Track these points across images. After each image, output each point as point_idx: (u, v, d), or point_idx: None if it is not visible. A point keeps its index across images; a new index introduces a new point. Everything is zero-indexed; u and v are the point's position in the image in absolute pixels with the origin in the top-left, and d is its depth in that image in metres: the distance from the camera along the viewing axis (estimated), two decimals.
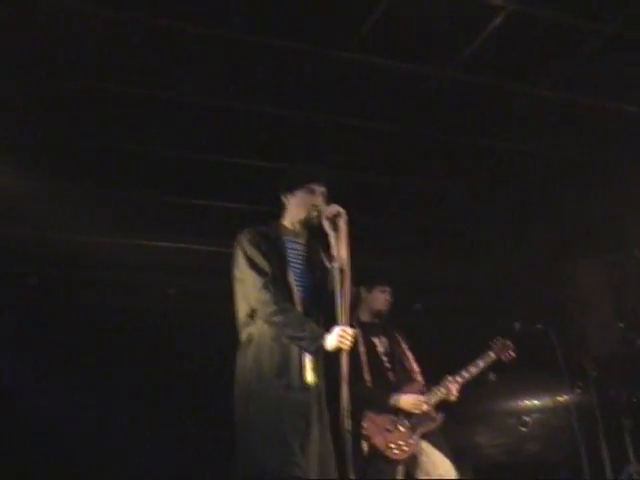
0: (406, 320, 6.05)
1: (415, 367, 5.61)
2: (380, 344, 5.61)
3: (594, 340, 6.39)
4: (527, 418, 6.94)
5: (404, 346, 5.69)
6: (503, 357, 5.58)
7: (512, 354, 5.60)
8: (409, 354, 5.66)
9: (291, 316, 3.91)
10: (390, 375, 5.51)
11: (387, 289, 5.65)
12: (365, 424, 5.26)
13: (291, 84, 4.93)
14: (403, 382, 5.49)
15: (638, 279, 6.46)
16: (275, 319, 3.90)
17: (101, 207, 6.19)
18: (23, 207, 5.89)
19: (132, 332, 6.86)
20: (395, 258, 7.11)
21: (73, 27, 4.29)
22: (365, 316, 5.66)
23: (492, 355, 5.56)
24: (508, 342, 5.62)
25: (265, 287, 3.93)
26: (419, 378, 5.55)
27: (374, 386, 5.38)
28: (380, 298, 5.63)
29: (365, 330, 5.55)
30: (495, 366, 5.62)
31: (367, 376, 5.39)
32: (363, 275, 5.57)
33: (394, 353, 5.61)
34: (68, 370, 6.53)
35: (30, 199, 5.83)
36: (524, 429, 6.94)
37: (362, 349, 5.46)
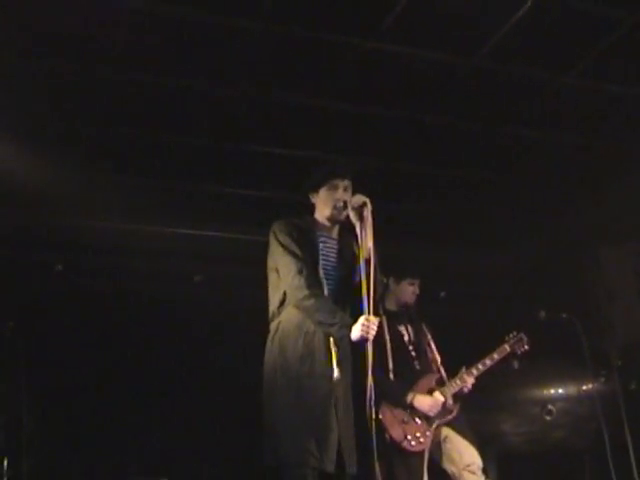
0: (431, 308, 6.05)
1: (437, 358, 5.68)
2: (406, 333, 5.67)
3: (619, 329, 6.38)
4: (551, 407, 6.93)
5: (429, 336, 5.76)
6: (518, 350, 5.67)
7: (526, 347, 5.68)
8: (433, 345, 5.73)
9: (322, 301, 3.98)
10: (416, 364, 5.58)
11: (415, 282, 5.71)
12: (382, 415, 5.33)
13: (316, 73, 4.96)
14: (426, 372, 5.56)
15: None
16: (307, 303, 3.97)
17: (130, 194, 6.24)
18: (49, 196, 5.95)
19: (158, 318, 6.90)
20: (420, 245, 7.12)
21: (79, 15, 4.32)
22: (392, 305, 5.72)
23: (507, 348, 5.64)
24: (523, 336, 5.70)
25: (299, 272, 4.00)
26: (440, 369, 5.62)
27: (399, 374, 5.44)
28: (408, 290, 5.69)
29: (392, 319, 5.60)
30: (512, 357, 5.67)
31: (391, 364, 5.44)
32: (393, 266, 5.63)
33: (420, 342, 5.68)
34: (94, 356, 6.57)
35: (55, 187, 5.88)
36: (549, 418, 6.93)
37: (388, 337, 5.50)
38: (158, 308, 6.93)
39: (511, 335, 5.70)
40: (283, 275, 4.08)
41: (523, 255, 7.74)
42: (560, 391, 7.02)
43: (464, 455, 5.38)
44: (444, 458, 5.43)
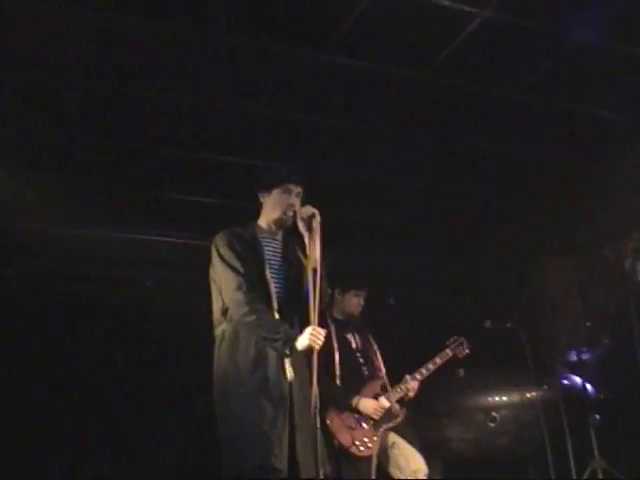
0: (380, 314, 6.15)
1: (382, 366, 5.79)
2: (354, 341, 5.77)
3: (562, 339, 6.52)
4: (495, 414, 7.05)
5: (375, 346, 5.87)
6: (459, 354, 5.81)
7: (467, 351, 5.82)
8: (378, 353, 5.84)
9: (264, 317, 4.01)
10: (364, 369, 5.69)
11: (361, 293, 5.81)
12: (329, 421, 5.41)
13: (269, 84, 5.00)
14: (373, 377, 5.66)
15: (605, 279, 6.60)
16: (248, 319, 4.00)
17: (80, 200, 6.24)
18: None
19: (109, 323, 6.90)
20: (372, 252, 7.21)
21: (60, 27, 4.35)
22: (338, 314, 5.82)
23: (449, 352, 5.78)
24: (463, 340, 5.83)
25: (238, 288, 4.03)
26: (384, 377, 5.72)
27: (346, 379, 5.54)
28: (353, 302, 5.80)
29: (339, 327, 5.73)
30: (459, 362, 5.80)
31: (339, 370, 5.53)
32: (338, 277, 5.71)
33: (367, 350, 5.80)
34: (42, 360, 6.54)
35: (6, 191, 5.87)
36: (492, 424, 7.06)
37: (335, 345, 5.61)
38: (109, 313, 6.93)
39: (452, 339, 5.84)
40: (224, 289, 4.12)
41: (472, 266, 7.87)
42: (504, 399, 7.15)
43: (411, 461, 5.46)
44: (391, 463, 5.51)
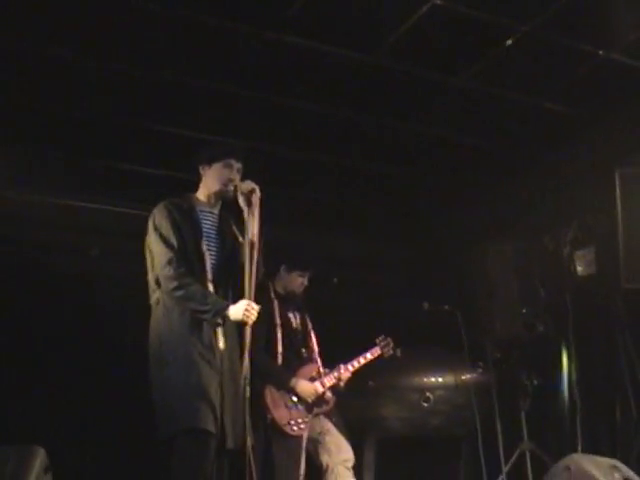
0: (323, 293, 6.21)
1: (316, 348, 5.89)
2: (294, 320, 5.85)
3: (498, 323, 6.63)
4: (429, 394, 7.17)
5: (310, 326, 5.95)
6: (386, 354, 5.92)
7: (392, 352, 5.93)
8: (313, 334, 5.93)
9: (192, 290, 4.07)
10: (303, 351, 5.79)
11: (305, 274, 5.86)
12: (267, 397, 5.50)
13: (218, 59, 5.03)
14: (310, 360, 5.77)
15: (543, 267, 6.73)
16: (176, 294, 4.08)
17: (27, 166, 6.21)
18: None
19: (53, 291, 6.87)
20: (317, 232, 7.28)
21: None
22: (281, 290, 5.87)
23: (378, 350, 5.89)
24: (390, 341, 5.92)
25: (169, 262, 4.10)
26: (318, 359, 5.83)
27: (287, 358, 5.65)
28: (297, 281, 5.86)
29: (281, 304, 5.80)
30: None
31: (280, 348, 5.62)
32: (286, 255, 5.80)
33: (304, 330, 5.89)
34: None
35: None
36: (426, 404, 7.17)
37: (278, 321, 5.69)
38: (53, 280, 6.90)
39: (380, 338, 5.93)
40: (155, 262, 4.18)
41: (413, 248, 7.97)
42: (439, 380, 7.25)
43: (342, 450, 5.61)
44: (321, 449, 5.64)
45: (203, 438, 3.94)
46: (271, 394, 5.53)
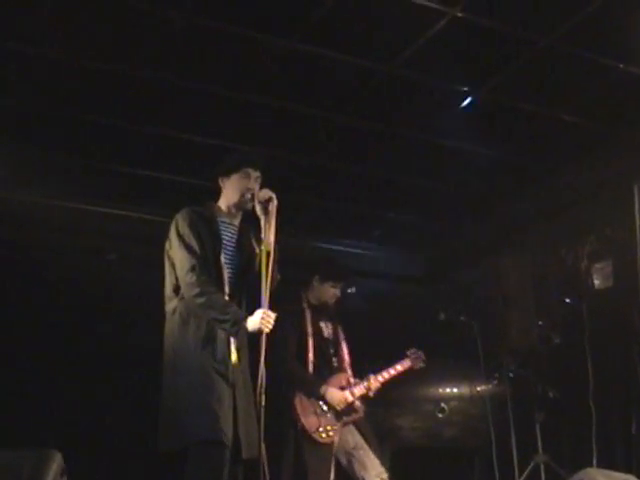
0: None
1: (347, 358, 5.90)
2: (326, 329, 5.88)
3: (514, 335, 6.62)
4: (444, 405, 7.17)
5: (342, 336, 5.96)
6: (414, 366, 5.94)
7: (422, 364, 5.96)
8: (344, 345, 5.94)
9: (214, 299, 4.07)
10: (334, 360, 5.83)
11: (338, 285, 5.88)
12: (297, 404, 5.54)
13: (236, 66, 5.05)
14: (340, 370, 5.80)
15: (560, 279, 6.72)
16: (198, 301, 4.07)
17: (47, 170, 6.27)
18: None
19: (71, 295, 6.90)
20: (329, 240, 7.31)
21: None
22: (314, 300, 5.89)
23: (408, 362, 5.91)
24: (421, 354, 5.95)
25: (192, 269, 4.09)
26: (348, 370, 5.84)
27: (318, 367, 5.69)
28: (329, 292, 5.87)
29: (314, 313, 5.83)
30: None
31: (311, 357, 5.67)
32: (319, 265, 5.84)
33: (336, 340, 5.92)
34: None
35: None
36: (440, 415, 7.18)
37: (310, 330, 5.74)
38: (70, 284, 6.94)
39: (412, 351, 5.95)
40: (178, 268, 4.18)
41: (431, 258, 7.99)
42: (454, 390, 7.27)
43: (375, 464, 5.63)
44: (356, 464, 5.66)
45: (218, 450, 3.94)
46: (301, 402, 5.56)
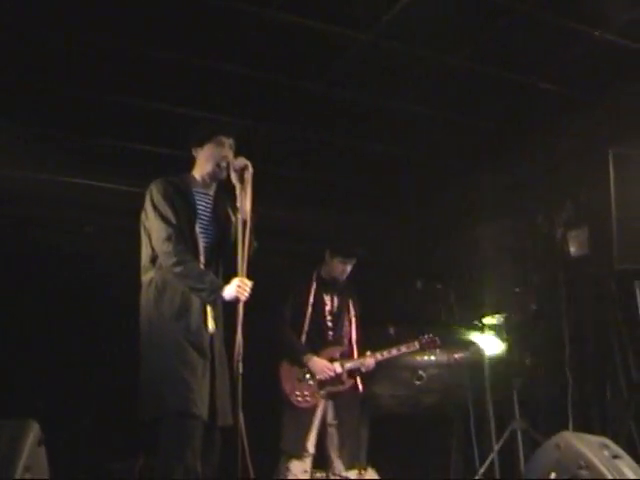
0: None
1: (354, 334, 6.03)
2: (330, 303, 5.99)
3: (491, 302, 6.67)
4: (422, 372, 7.21)
5: (352, 312, 6.07)
6: (427, 349, 6.15)
7: (437, 348, 6.21)
8: (353, 320, 6.04)
9: (190, 267, 4.09)
10: (330, 334, 5.93)
11: (347, 261, 5.97)
12: (281, 369, 5.73)
13: (207, 36, 4.99)
14: (336, 343, 5.92)
15: (537, 247, 6.75)
16: (175, 270, 4.08)
17: (21, 143, 6.20)
18: None
19: (47, 266, 6.87)
20: (307, 212, 7.30)
21: None
22: (325, 275, 6.03)
23: (416, 345, 6.02)
24: (437, 339, 6.08)
25: (168, 239, 4.10)
26: (353, 345, 5.99)
27: (311, 339, 5.85)
28: (339, 268, 5.99)
29: (320, 286, 5.98)
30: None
31: (306, 327, 5.80)
32: (331, 241, 5.92)
33: (340, 315, 6.01)
34: None
35: None
36: (418, 382, 7.21)
37: (311, 301, 5.89)
38: (47, 255, 6.91)
39: (426, 336, 6.06)
40: (154, 238, 4.18)
41: (408, 227, 7.99)
42: (432, 358, 7.29)
43: (345, 445, 5.83)
44: (329, 439, 5.86)
45: (189, 422, 3.97)
46: (285, 367, 5.76)
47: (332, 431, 5.82)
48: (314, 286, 5.91)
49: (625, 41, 5.24)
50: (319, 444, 5.77)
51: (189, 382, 4.00)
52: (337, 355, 5.84)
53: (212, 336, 4.19)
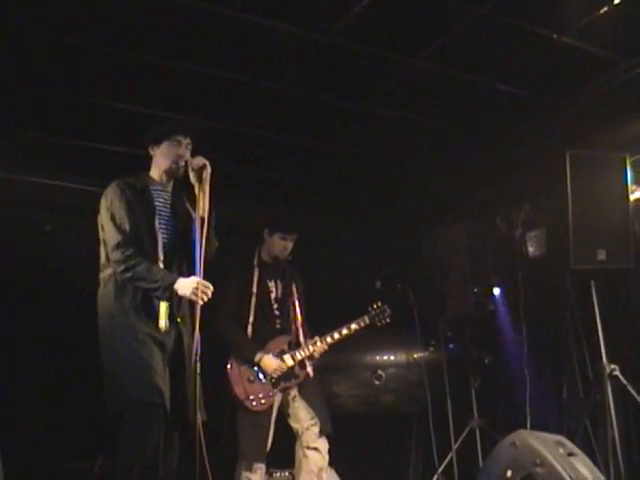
0: None
1: (299, 318, 5.86)
2: (274, 290, 5.81)
3: (450, 302, 6.72)
4: (381, 372, 7.24)
5: (295, 295, 5.90)
6: (378, 323, 5.89)
7: (387, 320, 5.90)
8: (297, 304, 5.89)
9: (139, 271, 4.11)
10: (277, 322, 5.75)
11: (288, 237, 5.79)
12: (230, 371, 5.52)
13: (172, 36, 4.98)
14: (283, 332, 5.74)
15: (494, 247, 6.82)
16: (125, 276, 4.13)
17: None
18: None
19: (6, 267, 6.81)
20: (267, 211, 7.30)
21: None
22: (265, 257, 5.84)
23: (366, 319, 5.84)
24: (386, 308, 5.90)
25: (117, 246, 4.14)
26: (299, 330, 5.81)
27: (258, 330, 5.65)
28: (279, 244, 5.79)
29: (263, 271, 5.78)
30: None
31: (252, 319, 5.60)
32: (268, 217, 5.79)
33: (285, 300, 5.83)
34: None
35: None
36: (377, 382, 7.25)
37: (254, 290, 5.68)
38: (6, 256, 6.84)
39: (375, 306, 5.89)
40: (107, 243, 4.21)
41: (368, 227, 8.03)
42: (391, 358, 7.33)
43: (310, 414, 5.62)
44: (291, 418, 5.68)
45: (152, 411, 3.97)
46: (233, 368, 5.56)
47: (292, 407, 5.67)
48: (256, 273, 5.73)
49: (582, 44, 5.30)
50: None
51: (151, 372, 4.02)
52: (286, 346, 5.70)
53: (170, 331, 4.19)
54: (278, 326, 5.76)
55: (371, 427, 7.37)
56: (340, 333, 5.76)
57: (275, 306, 5.78)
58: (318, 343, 5.70)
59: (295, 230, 5.83)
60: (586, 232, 5.42)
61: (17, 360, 6.57)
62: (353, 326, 5.80)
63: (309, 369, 5.72)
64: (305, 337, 5.80)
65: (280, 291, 5.84)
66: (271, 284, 5.81)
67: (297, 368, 5.65)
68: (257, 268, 5.76)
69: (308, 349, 5.69)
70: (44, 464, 6.38)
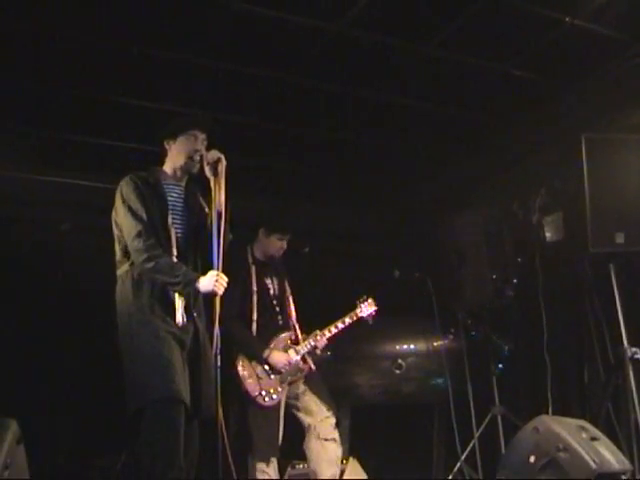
0: (294, 262, 6.23)
1: (293, 314, 5.92)
2: (272, 286, 5.86)
3: (468, 290, 6.69)
4: (401, 361, 7.23)
5: (288, 291, 5.96)
6: (367, 316, 5.97)
7: (374, 309, 5.98)
8: (291, 299, 5.95)
9: (162, 263, 4.10)
10: (279, 318, 5.81)
11: (284, 238, 5.86)
12: (239, 368, 5.55)
13: (182, 29, 4.97)
14: (285, 328, 5.79)
15: (512, 233, 6.78)
16: (147, 266, 4.11)
17: None
18: None
19: (23, 264, 6.84)
20: (285, 202, 7.30)
21: None
22: (260, 255, 5.88)
23: (358, 313, 5.95)
24: (371, 300, 5.99)
25: (138, 235, 4.13)
26: (295, 326, 5.88)
27: (262, 326, 5.68)
28: (276, 245, 5.85)
29: (259, 269, 5.81)
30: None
31: (255, 316, 5.65)
32: (265, 218, 5.81)
33: (282, 297, 5.90)
34: None
35: None
36: (398, 372, 7.24)
37: (254, 288, 5.72)
38: (23, 254, 6.87)
39: (361, 299, 5.98)
40: (125, 234, 4.21)
41: (385, 216, 8.02)
42: (411, 347, 7.32)
43: (322, 408, 5.66)
44: (301, 412, 5.72)
45: (176, 408, 3.98)
46: (243, 365, 5.58)
47: (303, 400, 5.73)
48: (254, 271, 5.78)
49: (595, 27, 5.26)
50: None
51: (172, 369, 4.03)
52: (289, 341, 5.75)
53: (188, 328, 4.18)
54: (280, 322, 5.83)
55: (393, 416, 7.37)
56: (337, 327, 5.85)
57: (275, 303, 5.85)
58: (319, 337, 5.78)
59: (291, 231, 5.91)
60: (603, 215, 5.40)
61: (39, 357, 6.58)
62: (347, 320, 5.90)
63: (310, 362, 5.77)
64: (302, 331, 5.88)
65: (277, 287, 5.91)
66: (268, 281, 5.87)
67: (300, 363, 5.70)
68: (253, 266, 5.80)
69: (310, 344, 5.74)
70: (67, 461, 6.41)
